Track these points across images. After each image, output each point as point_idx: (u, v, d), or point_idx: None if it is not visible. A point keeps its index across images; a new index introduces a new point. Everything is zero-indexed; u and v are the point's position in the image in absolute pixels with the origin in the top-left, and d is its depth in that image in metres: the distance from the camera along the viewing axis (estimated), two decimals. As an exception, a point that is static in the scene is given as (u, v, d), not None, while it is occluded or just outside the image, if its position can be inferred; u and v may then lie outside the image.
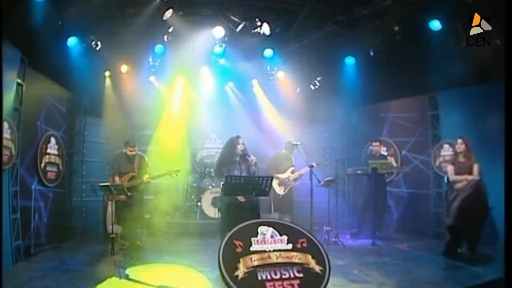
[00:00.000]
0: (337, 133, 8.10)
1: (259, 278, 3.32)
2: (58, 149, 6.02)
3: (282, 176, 6.33)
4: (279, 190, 6.28)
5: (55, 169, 5.95)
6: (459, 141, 5.36)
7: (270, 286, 3.28)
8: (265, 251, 3.49)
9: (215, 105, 8.44)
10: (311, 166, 5.75)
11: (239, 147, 4.75)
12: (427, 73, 6.31)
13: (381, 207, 6.44)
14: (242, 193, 4.36)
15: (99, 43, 6.60)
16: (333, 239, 6.00)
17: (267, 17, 6.61)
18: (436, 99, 6.64)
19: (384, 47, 6.83)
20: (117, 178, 5.64)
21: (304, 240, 3.64)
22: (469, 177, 5.17)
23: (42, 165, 5.61)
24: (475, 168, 5.24)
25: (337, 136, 8.09)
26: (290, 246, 3.57)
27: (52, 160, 5.86)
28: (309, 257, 3.53)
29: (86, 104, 6.97)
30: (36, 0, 5.16)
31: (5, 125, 4.50)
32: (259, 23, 6.56)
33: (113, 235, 5.05)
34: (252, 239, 3.54)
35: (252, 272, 3.35)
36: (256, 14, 6.56)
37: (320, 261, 3.52)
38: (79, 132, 6.83)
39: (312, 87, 8.12)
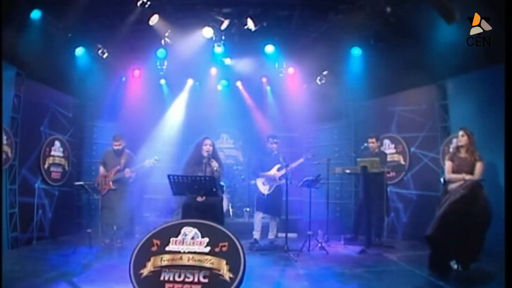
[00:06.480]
0: (345, 130, 7.54)
1: (161, 278, 3.25)
2: (63, 152, 6.64)
3: (267, 174, 5.98)
4: (264, 190, 5.90)
5: (60, 169, 6.56)
6: (461, 132, 4.58)
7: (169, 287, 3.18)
8: (179, 252, 3.39)
9: (226, 105, 8.45)
10: (287, 166, 5.41)
11: (205, 149, 4.64)
12: (432, 59, 5.48)
13: (378, 211, 5.76)
14: (189, 193, 4.29)
15: (105, 51, 7.04)
16: (319, 244, 5.57)
17: (254, 11, 6.43)
18: (444, 87, 5.75)
19: (383, 33, 6.13)
20: (101, 169, 5.96)
21: (225, 244, 3.43)
22: (467, 177, 4.35)
23: (46, 166, 6.23)
24: (478, 166, 4.41)
25: (345, 133, 7.52)
26: (208, 249, 3.41)
27: (56, 161, 6.48)
28: (223, 262, 3.32)
29: (95, 109, 7.52)
30: (33, 18, 5.73)
31: (1, 131, 5.11)
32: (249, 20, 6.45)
33: (89, 230, 5.36)
34: (171, 239, 3.47)
35: (157, 272, 3.28)
36: (243, 10, 6.43)
37: (234, 268, 3.28)
38: (87, 136, 7.41)
39: (319, 82, 7.64)
